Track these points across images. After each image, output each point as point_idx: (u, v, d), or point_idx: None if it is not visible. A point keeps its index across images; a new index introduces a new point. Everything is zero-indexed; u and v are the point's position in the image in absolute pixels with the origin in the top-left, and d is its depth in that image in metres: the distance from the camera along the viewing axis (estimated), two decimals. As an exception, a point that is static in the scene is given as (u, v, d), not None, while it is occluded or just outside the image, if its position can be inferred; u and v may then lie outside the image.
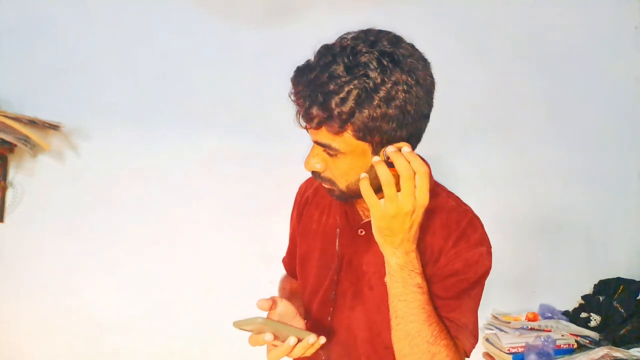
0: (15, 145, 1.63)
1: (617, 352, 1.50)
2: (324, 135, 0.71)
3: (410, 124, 0.71)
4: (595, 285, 1.91)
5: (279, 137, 1.82)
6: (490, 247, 0.83)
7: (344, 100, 0.66)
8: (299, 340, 0.71)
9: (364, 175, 0.68)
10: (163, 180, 1.80)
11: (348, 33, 0.72)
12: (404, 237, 0.67)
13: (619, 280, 1.86)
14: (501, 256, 1.85)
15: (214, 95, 1.85)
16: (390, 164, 0.66)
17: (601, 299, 1.82)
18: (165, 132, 1.80)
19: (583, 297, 1.89)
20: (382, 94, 0.66)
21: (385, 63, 0.67)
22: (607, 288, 1.86)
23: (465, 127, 1.91)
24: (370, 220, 0.73)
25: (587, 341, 1.67)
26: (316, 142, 0.74)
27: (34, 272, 1.71)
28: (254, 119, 1.85)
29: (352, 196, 0.79)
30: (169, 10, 1.84)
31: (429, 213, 0.74)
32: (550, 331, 1.69)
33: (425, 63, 0.73)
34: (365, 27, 0.76)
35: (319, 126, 0.70)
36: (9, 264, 1.70)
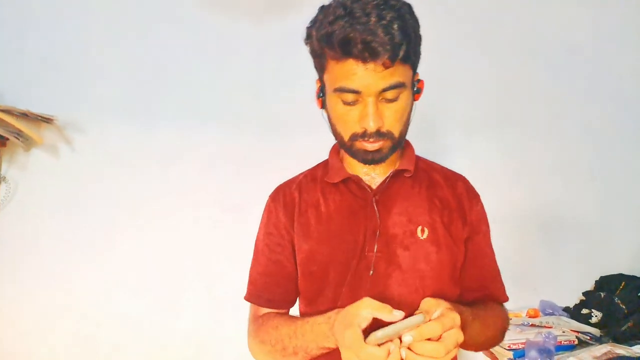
0: (8, 139, 1.60)
1: (620, 349, 1.48)
2: (393, 73, 0.75)
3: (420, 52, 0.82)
4: (596, 281, 1.90)
5: (279, 133, 1.80)
6: None
7: (404, 23, 0.74)
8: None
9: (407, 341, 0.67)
10: (159, 174, 1.77)
11: None
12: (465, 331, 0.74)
13: (620, 277, 1.85)
14: (502, 252, 1.83)
15: (212, 90, 1.82)
16: None
17: (602, 295, 1.81)
18: (161, 126, 1.77)
19: (584, 294, 1.88)
20: (413, 23, 0.77)
21: (405, 6, 0.78)
22: (609, 284, 1.85)
23: (468, 123, 1.89)
24: (380, 185, 0.89)
25: (588, 337, 1.66)
26: (383, 90, 0.76)
27: (28, 267, 1.69)
28: (253, 114, 1.82)
29: (395, 147, 0.84)
30: (166, 3, 1.80)
31: (428, 171, 0.95)
32: (551, 327, 1.68)
33: None
34: None
35: (394, 57, 0.73)
36: (2, 259, 1.68)
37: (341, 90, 0.77)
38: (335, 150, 0.98)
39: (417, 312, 0.70)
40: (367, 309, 0.69)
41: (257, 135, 1.81)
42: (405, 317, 0.69)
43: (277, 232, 0.94)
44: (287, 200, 0.95)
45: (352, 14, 0.73)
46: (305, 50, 1.89)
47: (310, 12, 1.94)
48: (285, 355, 0.84)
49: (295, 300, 0.96)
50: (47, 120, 1.65)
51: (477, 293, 0.92)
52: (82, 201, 1.73)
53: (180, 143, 1.78)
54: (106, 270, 1.73)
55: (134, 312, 1.73)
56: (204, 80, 1.81)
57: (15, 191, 1.68)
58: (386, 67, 0.74)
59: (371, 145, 0.81)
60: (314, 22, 0.82)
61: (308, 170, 1.01)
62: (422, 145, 1.90)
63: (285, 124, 1.80)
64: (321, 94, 0.87)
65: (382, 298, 0.81)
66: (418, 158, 0.96)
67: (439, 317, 0.67)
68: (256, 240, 1.00)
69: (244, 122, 1.82)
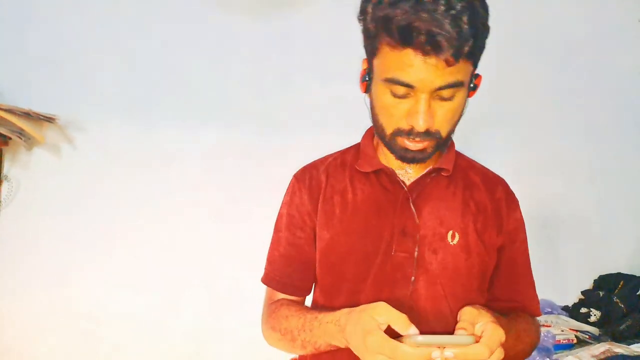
0: (10, 138, 1.61)
1: (618, 348, 1.49)
2: (452, 70, 0.68)
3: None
4: (595, 280, 1.91)
5: (278, 130, 1.80)
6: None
7: (474, 15, 0.66)
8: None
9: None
10: (160, 172, 1.78)
11: None
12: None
13: (619, 276, 1.86)
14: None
15: (211, 87, 1.82)
16: None
17: (601, 294, 1.81)
18: (162, 124, 1.78)
19: (583, 292, 1.89)
20: (483, 12, 0.70)
21: None
22: (608, 283, 1.86)
23: (467, 122, 1.89)
24: (415, 182, 0.83)
25: (587, 336, 1.66)
26: (439, 87, 0.69)
27: (29, 266, 1.70)
28: (252, 111, 1.83)
29: (439, 147, 0.78)
30: (167, 1, 1.81)
31: (466, 171, 0.89)
32: (550, 326, 1.69)
33: None
34: None
35: (458, 55, 0.66)
36: (4, 258, 1.69)
37: (393, 81, 0.70)
38: (369, 136, 0.91)
39: (458, 325, 0.67)
40: (383, 316, 0.65)
41: (256, 133, 1.82)
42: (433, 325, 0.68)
43: (299, 216, 0.89)
44: (313, 184, 0.88)
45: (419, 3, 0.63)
46: (304, 50, 1.90)
47: (310, 12, 1.94)
48: (294, 346, 0.82)
49: (312, 289, 0.92)
50: (49, 119, 1.65)
51: (507, 304, 0.87)
52: (84, 200, 1.73)
53: (180, 142, 1.79)
54: (107, 269, 1.73)
55: (135, 310, 1.73)
56: (204, 79, 1.82)
57: (17, 190, 1.69)
58: (449, 64, 0.66)
59: (414, 145, 0.74)
60: None
61: (337, 152, 0.94)
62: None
63: (286, 122, 1.81)
64: (367, 77, 0.78)
65: (409, 302, 0.78)
66: (458, 155, 0.91)
67: (487, 340, 0.63)
68: (277, 220, 0.94)
69: (244, 120, 1.82)
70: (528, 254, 0.92)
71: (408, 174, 0.85)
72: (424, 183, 0.84)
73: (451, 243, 0.81)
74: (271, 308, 0.89)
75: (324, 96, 1.76)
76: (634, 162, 1.94)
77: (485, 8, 0.70)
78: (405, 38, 0.65)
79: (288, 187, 0.93)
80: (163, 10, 1.81)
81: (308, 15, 1.80)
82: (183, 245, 1.78)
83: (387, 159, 0.85)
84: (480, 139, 1.88)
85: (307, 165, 0.93)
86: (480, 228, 0.83)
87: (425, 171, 0.85)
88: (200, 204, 1.79)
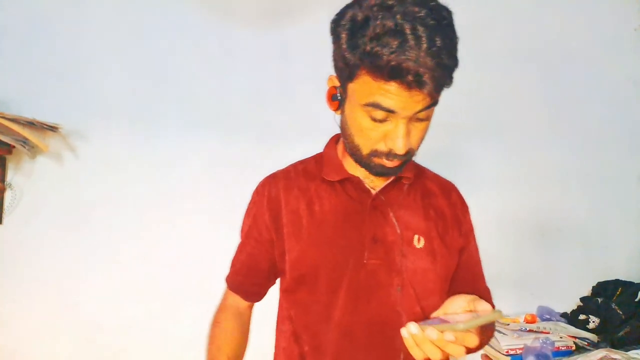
0: (14, 147, 1.63)
1: (616, 354, 1.49)
2: (430, 97, 0.70)
3: None
4: (593, 287, 1.91)
5: (278, 140, 1.82)
6: None
7: (452, 46, 0.69)
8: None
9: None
10: (162, 181, 1.80)
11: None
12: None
13: (617, 282, 1.87)
14: (500, 258, 1.87)
15: (212, 97, 1.85)
16: None
17: (600, 300, 1.82)
18: (163, 134, 1.80)
19: (581, 299, 1.90)
20: (455, 37, 0.71)
21: (448, 15, 0.72)
22: (606, 290, 1.87)
23: (463, 130, 1.91)
24: (381, 190, 0.85)
25: (586, 343, 1.67)
26: (419, 111, 0.71)
27: (32, 273, 1.71)
28: (253, 121, 1.85)
29: (409, 160, 0.82)
30: (168, 12, 1.84)
31: (422, 179, 0.93)
32: (548, 333, 1.69)
33: None
34: None
35: (439, 89, 0.69)
36: (7, 266, 1.70)
37: (375, 106, 0.70)
38: (332, 146, 0.93)
39: (465, 309, 0.69)
40: None
41: (256, 142, 1.84)
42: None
43: (256, 229, 0.92)
44: (272, 197, 0.90)
45: (402, 33, 0.64)
46: (303, 60, 1.92)
47: (309, 23, 1.97)
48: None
49: (263, 296, 0.99)
50: (52, 128, 1.67)
51: None
52: (86, 208, 1.75)
53: (182, 150, 1.81)
54: (108, 276, 1.74)
55: (136, 318, 1.74)
56: (205, 89, 1.84)
57: (20, 197, 1.71)
58: (432, 97, 0.69)
59: (391, 163, 0.77)
60: (348, 20, 0.70)
61: (298, 162, 0.96)
62: (419, 150, 1.93)
63: (286, 132, 1.83)
64: (339, 97, 0.80)
65: (384, 306, 0.81)
66: (413, 163, 0.93)
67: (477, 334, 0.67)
68: (241, 226, 1.00)
69: (244, 130, 1.84)
70: (479, 253, 0.98)
71: (372, 182, 0.87)
72: (386, 191, 0.87)
73: (417, 247, 0.84)
74: (223, 311, 1.06)
75: (323, 106, 1.78)
76: (630, 170, 1.95)
77: (453, 28, 0.72)
78: (393, 76, 0.66)
79: (251, 197, 0.97)
80: (165, 22, 1.84)
81: (307, 26, 1.83)
82: (184, 253, 1.79)
83: (352, 168, 0.87)
84: (476, 148, 1.90)
85: (268, 177, 0.95)
86: (441, 231, 0.88)
87: (389, 180, 0.87)
88: (201, 212, 1.81)
